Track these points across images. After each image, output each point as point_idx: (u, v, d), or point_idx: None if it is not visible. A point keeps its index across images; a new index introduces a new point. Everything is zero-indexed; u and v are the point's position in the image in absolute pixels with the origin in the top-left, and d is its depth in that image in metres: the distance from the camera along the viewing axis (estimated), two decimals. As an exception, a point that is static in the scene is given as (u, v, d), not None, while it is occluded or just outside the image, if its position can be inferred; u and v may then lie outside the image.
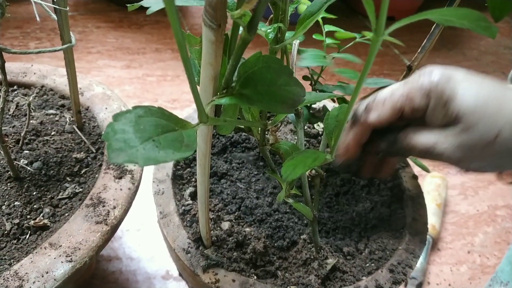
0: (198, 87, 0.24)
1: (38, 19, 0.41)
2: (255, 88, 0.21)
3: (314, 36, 0.42)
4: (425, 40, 0.43)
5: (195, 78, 0.26)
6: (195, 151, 0.21)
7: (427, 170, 0.48)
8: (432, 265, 0.65)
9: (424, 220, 0.44)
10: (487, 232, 0.71)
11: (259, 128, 0.27)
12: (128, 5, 0.26)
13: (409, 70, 0.45)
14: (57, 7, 0.39)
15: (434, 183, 0.75)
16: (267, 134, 0.28)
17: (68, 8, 0.41)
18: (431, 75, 0.33)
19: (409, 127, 0.34)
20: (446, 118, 0.32)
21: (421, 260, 0.63)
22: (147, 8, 0.27)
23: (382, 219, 0.44)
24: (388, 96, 0.34)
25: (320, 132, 0.53)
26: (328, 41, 0.42)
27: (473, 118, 0.30)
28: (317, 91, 0.42)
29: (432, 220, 0.68)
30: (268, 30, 0.20)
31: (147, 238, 0.62)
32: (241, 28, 0.20)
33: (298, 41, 0.28)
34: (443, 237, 0.69)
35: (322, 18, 0.41)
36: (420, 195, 0.46)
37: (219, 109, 0.24)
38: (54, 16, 0.41)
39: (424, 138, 0.33)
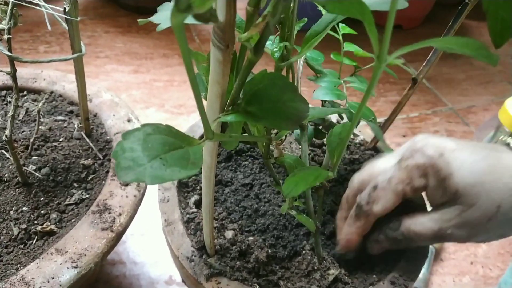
0: (205, 102, 0.24)
1: (49, 27, 0.42)
2: (261, 105, 0.22)
3: (332, 56, 0.42)
4: (430, 54, 0.43)
5: (202, 93, 0.27)
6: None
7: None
8: (434, 276, 0.65)
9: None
10: (490, 243, 0.71)
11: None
12: (139, 20, 0.27)
13: (414, 83, 0.45)
14: (68, 17, 0.40)
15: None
16: (271, 147, 0.29)
17: (78, 17, 0.42)
18: (424, 152, 0.33)
19: (407, 218, 0.36)
20: (446, 195, 0.32)
21: (423, 270, 0.63)
22: (156, 13, 0.28)
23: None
24: (387, 184, 0.36)
25: (325, 142, 0.53)
26: (346, 61, 0.42)
27: (473, 195, 0.31)
28: (326, 102, 0.43)
29: (436, 230, 0.68)
30: (275, 49, 0.21)
31: (151, 243, 0.62)
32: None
33: (303, 58, 0.29)
34: (446, 247, 0.69)
35: (343, 34, 0.41)
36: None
37: (225, 124, 0.25)
38: (65, 25, 0.41)
39: (428, 224, 0.34)
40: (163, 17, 0.25)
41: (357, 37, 0.41)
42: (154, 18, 0.25)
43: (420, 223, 0.35)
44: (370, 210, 0.37)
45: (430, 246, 0.66)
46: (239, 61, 0.22)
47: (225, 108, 0.23)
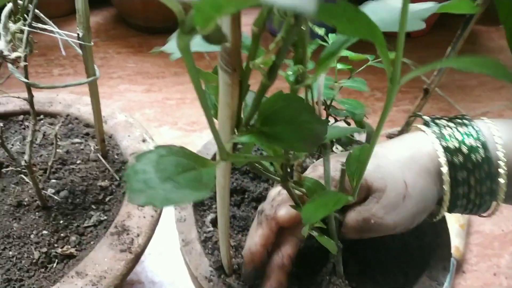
0: (216, 122, 0.24)
1: (63, 52, 0.43)
2: (276, 126, 0.22)
3: None
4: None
5: (211, 110, 0.27)
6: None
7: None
8: (457, 288, 0.64)
9: (447, 245, 0.43)
10: (513, 253, 0.69)
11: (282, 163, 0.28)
12: (151, 51, 0.27)
13: (426, 93, 0.45)
14: (82, 43, 0.41)
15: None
16: (290, 170, 0.29)
17: (92, 41, 0.43)
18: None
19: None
20: (363, 193, 0.34)
21: (446, 284, 0.62)
22: (165, 32, 0.28)
23: (405, 244, 0.44)
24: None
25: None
26: (340, 66, 0.42)
27: (380, 182, 0.33)
28: (331, 116, 0.43)
29: (456, 241, 0.67)
30: (289, 73, 0.21)
31: (169, 262, 0.62)
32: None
33: (323, 78, 0.29)
34: (467, 259, 0.68)
35: None
36: (442, 219, 0.46)
37: (236, 143, 0.25)
38: (79, 50, 0.42)
39: (353, 216, 0.34)
40: (175, 46, 0.25)
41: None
42: (167, 48, 0.26)
43: (349, 216, 0.35)
44: (274, 214, 0.35)
45: (452, 259, 0.65)
46: (244, 83, 0.22)
47: (238, 129, 0.23)
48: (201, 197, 0.18)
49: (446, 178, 0.34)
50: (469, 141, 0.34)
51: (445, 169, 0.34)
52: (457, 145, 0.34)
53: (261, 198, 0.47)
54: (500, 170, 0.34)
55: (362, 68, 0.45)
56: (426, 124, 0.37)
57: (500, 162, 0.34)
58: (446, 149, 0.34)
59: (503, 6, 0.31)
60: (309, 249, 0.42)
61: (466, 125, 0.35)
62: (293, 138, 0.22)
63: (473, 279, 0.65)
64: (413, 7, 0.24)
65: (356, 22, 0.17)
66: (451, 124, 0.36)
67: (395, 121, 0.95)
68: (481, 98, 1.07)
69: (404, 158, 0.35)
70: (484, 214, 0.38)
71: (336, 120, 0.46)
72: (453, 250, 0.66)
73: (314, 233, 0.30)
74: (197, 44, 0.30)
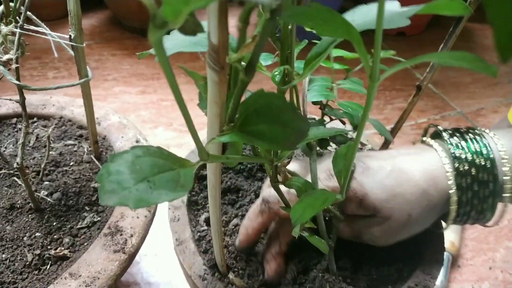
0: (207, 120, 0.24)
1: (56, 54, 0.43)
2: (257, 125, 0.22)
3: (321, 63, 0.43)
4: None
5: (204, 110, 0.27)
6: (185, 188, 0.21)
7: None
8: (453, 283, 0.64)
9: (440, 239, 0.43)
10: (508, 247, 0.70)
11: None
12: (138, 53, 0.28)
13: (419, 90, 0.45)
14: (74, 44, 0.41)
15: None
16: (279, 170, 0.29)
17: (84, 43, 0.43)
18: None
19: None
20: (366, 212, 0.36)
21: (441, 278, 0.62)
22: None
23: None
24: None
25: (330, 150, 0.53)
26: (336, 66, 0.42)
27: (388, 209, 0.35)
28: (327, 115, 0.43)
29: (451, 236, 0.67)
30: (275, 73, 0.21)
31: (164, 263, 0.62)
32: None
33: (308, 79, 0.29)
34: (463, 253, 0.68)
35: None
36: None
37: (226, 143, 0.25)
38: (72, 52, 0.42)
39: (352, 226, 0.38)
40: (166, 45, 0.25)
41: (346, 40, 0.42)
42: (152, 50, 0.26)
43: (348, 226, 0.38)
44: (277, 210, 0.37)
45: (446, 253, 0.65)
46: (233, 83, 0.22)
47: (222, 129, 0.23)
48: (177, 196, 0.18)
49: (454, 199, 0.36)
50: (479, 160, 0.35)
51: (453, 193, 0.36)
52: (467, 167, 0.35)
53: (255, 197, 0.48)
54: (507, 186, 0.35)
55: (358, 67, 0.45)
56: (438, 135, 0.39)
57: (506, 178, 0.35)
58: (457, 172, 0.35)
59: (491, 7, 0.31)
60: (303, 245, 0.42)
61: (478, 141, 0.36)
62: (275, 136, 0.21)
63: (468, 273, 0.65)
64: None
65: (332, 22, 0.17)
66: (463, 143, 0.37)
67: (390, 119, 0.95)
68: (476, 95, 1.08)
69: (419, 194, 0.36)
70: (489, 224, 0.39)
71: (331, 119, 0.46)
72: (448, 245, 0.66)
73: (305, 234, 0.30)
74: (186, 44, 0.30)
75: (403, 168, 0.36)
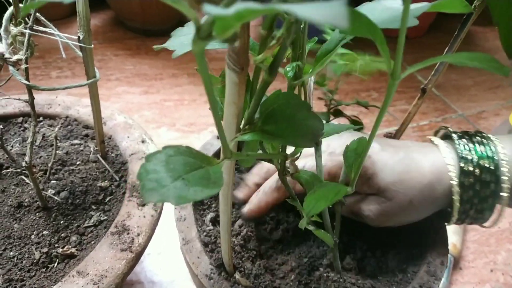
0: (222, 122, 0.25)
1: (64, 55, 0.43)
2: (276, 124, 0.23)
3: None
4: (438, 63, 0.43)
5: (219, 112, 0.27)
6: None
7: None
8: (454, 285, 0.64)
9: (445, 242, 0.44)
10: (509, 250, 0.70)
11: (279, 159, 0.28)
12: (154, 46, 0.28)
13: (423, 93, 0.46)
14: (83, 45, 0.41)
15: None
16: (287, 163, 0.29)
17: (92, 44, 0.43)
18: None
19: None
20: (370, 189, 0.38)
21: (443, 280, 0.62)
22: (163, 35, 0.29)
23: (402, 241, 0.44)
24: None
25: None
26: (341, 62, 0.43)
27: (392, 192, 0.37)
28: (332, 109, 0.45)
29: (453, 239, 0.68)
30: (288, 69, 0.21)
31: (168, 262, 0.63)
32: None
33: (313, 76, 0.30)
34: (464, 255, 0.69)
35: None
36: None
37: (241, 142, 0.25)
38: (79, 52, 0.43)
39: (351, 201, 0.40)
40: (177, 43, 0.25)
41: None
42: (169, 45, 0.26)
43: (349, 200, 0.40)
44: (293, 189, 0.38)
45: (449, 255, 0.65)
46: (254, 82, 0.23)
47: (241, 128, 0.24)
48: (212, 193, 0.19)
49: (456, 198, 0.37)
50: (484, 162, 0.37)
51: (457, 193, 0.37)
52: (471, 168, 0.37)
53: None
54: (504, 185, 0.37)
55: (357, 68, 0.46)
56: (448, 137, 0.41)
57: (504, 177, 0.37)
58: (462, 171, 0.37)
59: (496, 8, 0.32)
60: (307, 245, 0.43)
61: (484, 144, 0.38)
62: (293, 135, 0.22)
63: (470, 276, 0.65)
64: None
65: (356, 22, 0.18)
66: (471, 145, 0.38)
67: (392, 121, 0.95)
68: (477, 98, 1.08)
69: (424, 184, 0.38)
70: (486, 225, 0.41)
71: (335, 117, 0.48)
72: (450, 247, 0.66)
73: (311, 227, 0.30)
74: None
75: (415, 158, 0.39)
